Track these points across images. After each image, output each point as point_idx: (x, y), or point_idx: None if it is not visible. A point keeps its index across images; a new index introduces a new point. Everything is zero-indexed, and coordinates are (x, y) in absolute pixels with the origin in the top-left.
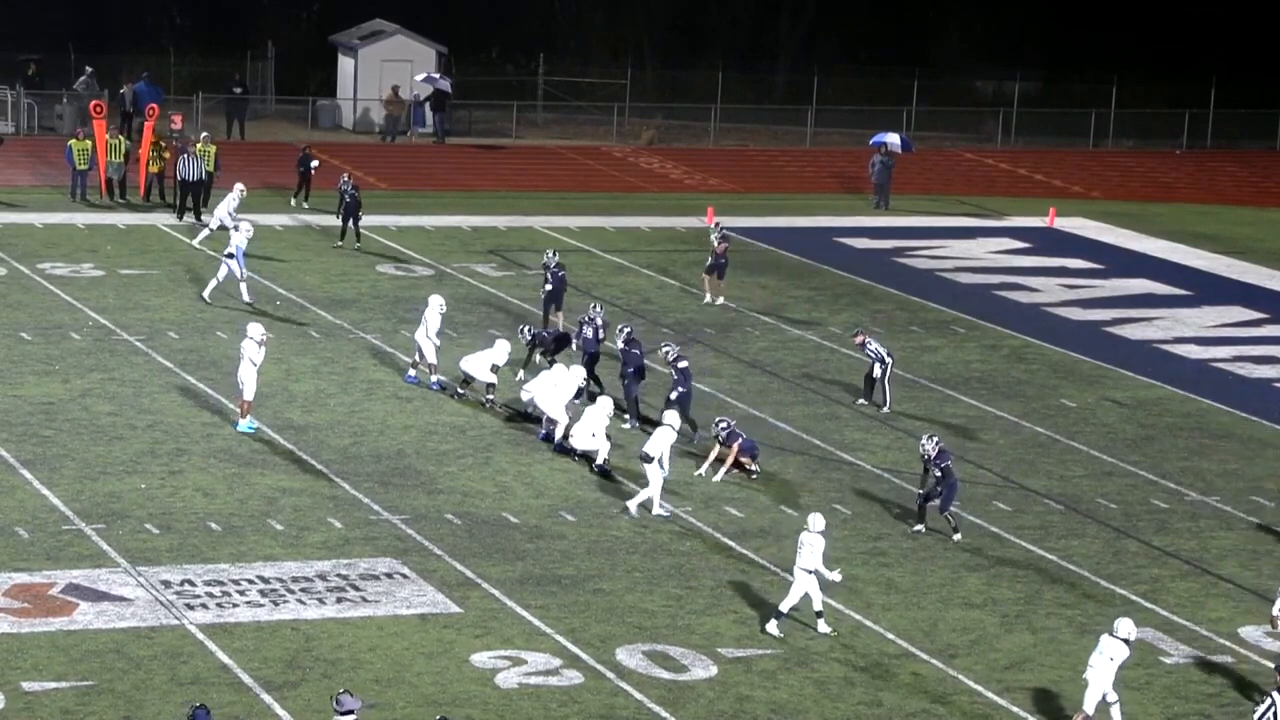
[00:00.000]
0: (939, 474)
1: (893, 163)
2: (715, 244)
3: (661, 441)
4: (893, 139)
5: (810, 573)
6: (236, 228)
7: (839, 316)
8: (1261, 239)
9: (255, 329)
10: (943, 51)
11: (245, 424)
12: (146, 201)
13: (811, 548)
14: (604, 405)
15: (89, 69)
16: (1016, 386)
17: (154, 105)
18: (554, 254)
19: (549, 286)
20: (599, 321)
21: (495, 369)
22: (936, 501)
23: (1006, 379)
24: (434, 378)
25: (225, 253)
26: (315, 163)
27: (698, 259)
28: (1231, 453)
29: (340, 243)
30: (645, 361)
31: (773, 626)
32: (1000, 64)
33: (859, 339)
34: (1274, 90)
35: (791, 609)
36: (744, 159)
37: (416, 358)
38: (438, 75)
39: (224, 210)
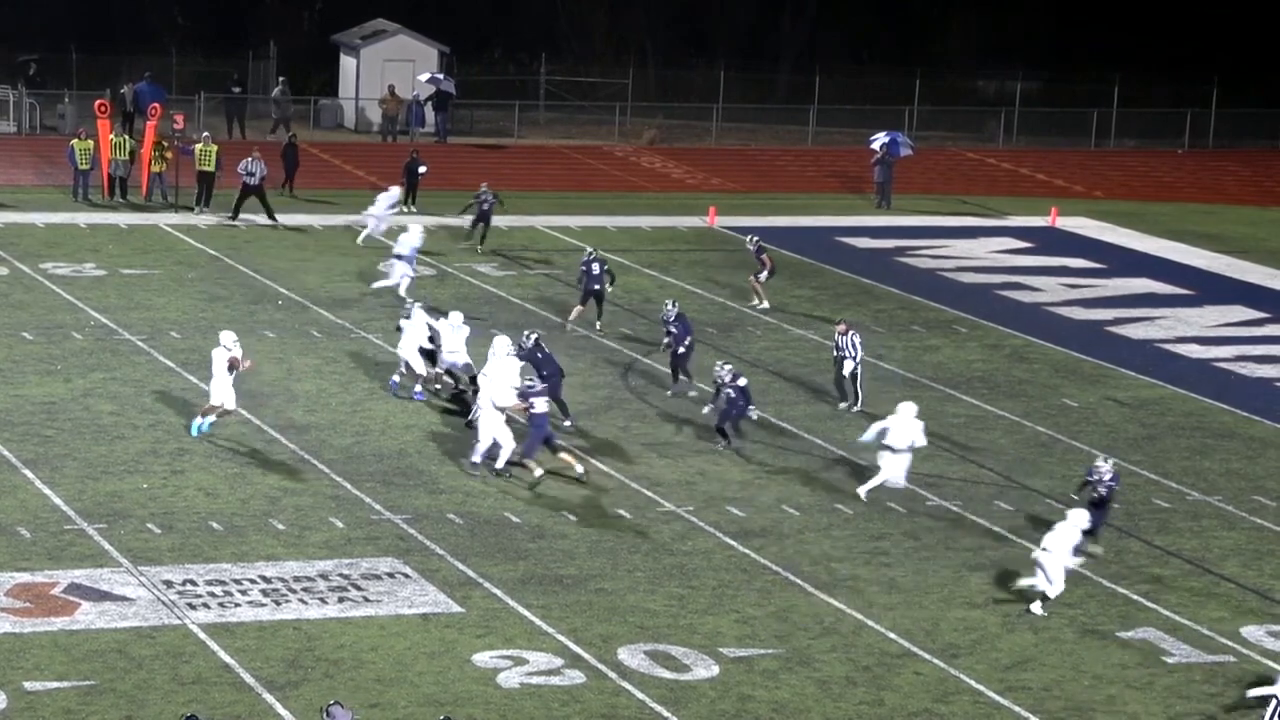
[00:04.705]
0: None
1: (893, 161)
2: (758, 256)
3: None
4: (884, 139)
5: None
6: (406, 229)
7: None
8: (1263, 238)
9: (227, 337)
10: (944, 51)
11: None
12: (148, 201)
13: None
14: (511, 365)
15: (282, 79)
16: (1018, 386)
17: (156, 105)
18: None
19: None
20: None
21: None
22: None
23: (1008, 378)
24: (417, 388)
25: (395, 253)
26: (423, 168)
27: (700, 259)
28: (1233, 452)
29: (467, 242)
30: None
31: (1036, 607)
32: (1002, 63)
33: (842, 327)
34: (1276, 89)
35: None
36: (746, 158)
37: (403, 368)
38: (441, 76)
39: (381, 209)
